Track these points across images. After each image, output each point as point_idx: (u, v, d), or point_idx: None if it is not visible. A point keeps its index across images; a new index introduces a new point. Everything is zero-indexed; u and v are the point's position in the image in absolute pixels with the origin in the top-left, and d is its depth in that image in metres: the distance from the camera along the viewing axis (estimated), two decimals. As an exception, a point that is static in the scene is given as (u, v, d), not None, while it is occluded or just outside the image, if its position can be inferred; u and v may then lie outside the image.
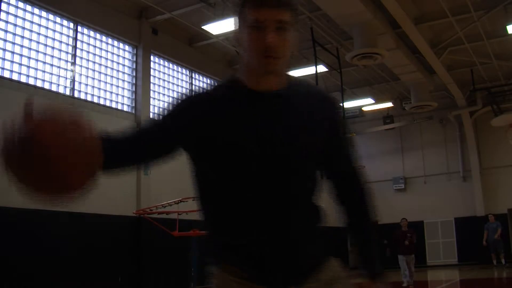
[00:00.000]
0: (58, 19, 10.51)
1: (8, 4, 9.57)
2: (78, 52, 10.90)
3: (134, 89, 12.15)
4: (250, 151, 1.41)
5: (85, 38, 11.15)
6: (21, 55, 9.69)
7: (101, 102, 11.30)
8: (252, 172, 1.43)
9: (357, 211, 1.62)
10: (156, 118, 1.52)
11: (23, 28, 9.79)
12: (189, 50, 13.72)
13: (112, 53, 11.83)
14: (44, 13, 10.23)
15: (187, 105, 1.47)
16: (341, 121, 1.59)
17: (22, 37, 9.75)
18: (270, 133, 1.43)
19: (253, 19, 1.41)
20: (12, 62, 9.52)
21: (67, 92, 10.54)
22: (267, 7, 1.40)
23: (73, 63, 10.77)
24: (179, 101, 1.49)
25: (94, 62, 11.27)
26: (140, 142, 1.44)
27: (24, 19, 9.82)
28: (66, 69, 10.62)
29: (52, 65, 10.26)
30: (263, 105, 1.46)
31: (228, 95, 1.47)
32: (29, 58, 9.83)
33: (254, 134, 1.42)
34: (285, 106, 1.48)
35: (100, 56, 11.46)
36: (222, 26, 11.61)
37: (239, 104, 1.46)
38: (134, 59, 12.30)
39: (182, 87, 13.86)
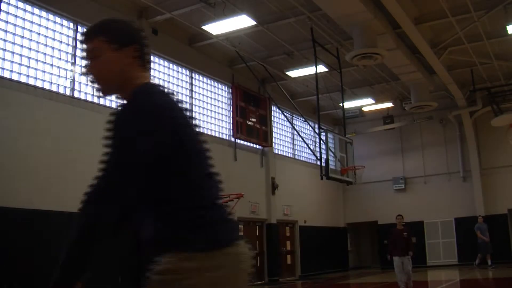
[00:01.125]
0: (58, 19, 10.51)
1: (8, 4, 9.56)
2: (78, 52, 10.90)
3: (134, 89, 12.13)
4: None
5: (85, 38, 11.14)
6: (21, 55, 9.68)
7: (101, 102, 11.29)
8: None
9: None
10: None
11: (23, 28, 9.78)
12: (189, 50, 13.71)
13: (112, 53, 11.81)
14: (44, 13, 10.22)
15: None
16: (109, 135, 1.58)
17: (22, 37, 9.74)
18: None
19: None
20: (12, 62, 9.51)
21: (67, 92, 10.53)
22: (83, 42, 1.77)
23: (73, 63, 10.77)
24: None
25: (94, 62, 11.25)
26: None
27: (24, 19, 9.81)
28: (66, 69, 10.62)
29: (52, 65, 10.25)
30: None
31: None
32: (29, 58, 9.82)
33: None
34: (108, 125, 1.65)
35: (100, 56, 11.44)
36: (222, 26, 11.62)
37: None
38: (134, 59, 12.28)
39: (182, 87, 13.86)
